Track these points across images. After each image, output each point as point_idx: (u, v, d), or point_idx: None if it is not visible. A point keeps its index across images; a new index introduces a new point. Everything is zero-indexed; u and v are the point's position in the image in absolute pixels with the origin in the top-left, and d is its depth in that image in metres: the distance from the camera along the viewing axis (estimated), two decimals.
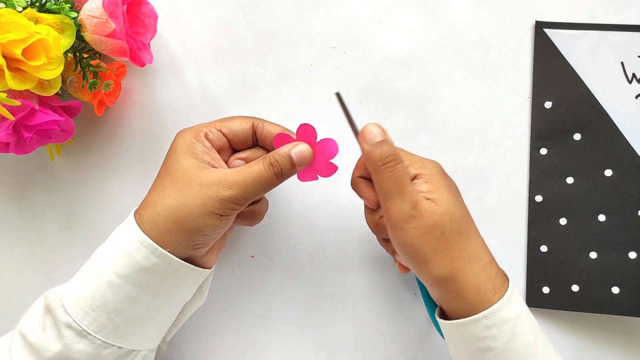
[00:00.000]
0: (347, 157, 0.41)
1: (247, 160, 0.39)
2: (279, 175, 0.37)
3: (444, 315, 0.38)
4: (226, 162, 0.40)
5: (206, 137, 0.38)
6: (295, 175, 0.40)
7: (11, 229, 0.49)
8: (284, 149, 0.37)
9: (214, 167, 0.38)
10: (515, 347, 0.35)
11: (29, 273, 0.49)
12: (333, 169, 0.39)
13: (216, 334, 0.48)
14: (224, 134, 0.39)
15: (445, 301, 0.37)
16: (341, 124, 0.47)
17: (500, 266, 0.38)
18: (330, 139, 0.38)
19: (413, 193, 0.36)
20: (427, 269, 0.36)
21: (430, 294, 0.39)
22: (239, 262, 0.47)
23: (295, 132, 0.39)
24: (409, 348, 0.47)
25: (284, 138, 0.38)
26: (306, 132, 0.38)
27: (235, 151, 0.40)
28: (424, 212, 0.35)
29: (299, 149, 0.37)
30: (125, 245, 0.36)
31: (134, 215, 0.37)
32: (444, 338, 0.40)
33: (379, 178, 0.36)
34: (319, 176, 0.40)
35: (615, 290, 0.45)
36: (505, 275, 0.38)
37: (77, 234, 0.48)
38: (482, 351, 0.35)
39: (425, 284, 0.38)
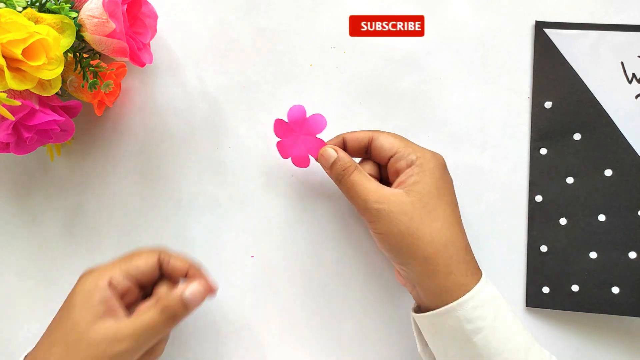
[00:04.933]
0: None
1: None
2: (172, 319, 0.37)
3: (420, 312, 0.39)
4: (134, 300, 0.40)
5: (110, 284, 0.38)
6: (299, 166, 0.43)
7: (11, 229, 0.49)
8: (176, 292, 0.38)
9: (109, 317, 0.37)
10: (500, 324, 0.36)
11: (29, 273, 0.49)
12: (320, 144, 0.42)
13: (216, 334, 0.48)
14: (130, 276, 0.39)
15: (418, 282, 0.38)
16: (342, 123, 0.47)
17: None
18: (318, 114, 0.42)
19: (376, 188, 0.38)
20: (398, 255, 0.38)
21: (409, 287, 0.41)
22: (239, 262, 0.47)
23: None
24: (410, 348, 0.47)
25: (280, 124, 0.42)
26: (296, 112, 0.42)
27: (142, 285, 0.40)
28: (391, 199, 0.38)
29: (190, 290, 0.38)
30: None
31: None
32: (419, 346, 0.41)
33: (342, 189, 0.40)
34: (311, 157, 0.43)
35: (615, 290, 0.45)
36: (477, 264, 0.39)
37: (77, 234, 0.48)
38: (473, 333, 0.35)
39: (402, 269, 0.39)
